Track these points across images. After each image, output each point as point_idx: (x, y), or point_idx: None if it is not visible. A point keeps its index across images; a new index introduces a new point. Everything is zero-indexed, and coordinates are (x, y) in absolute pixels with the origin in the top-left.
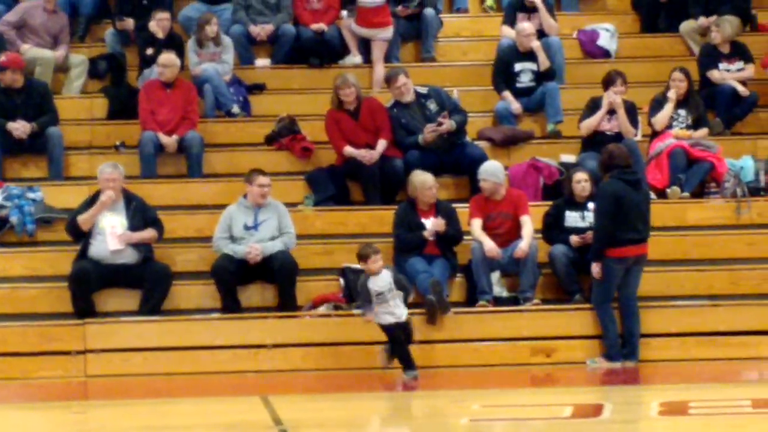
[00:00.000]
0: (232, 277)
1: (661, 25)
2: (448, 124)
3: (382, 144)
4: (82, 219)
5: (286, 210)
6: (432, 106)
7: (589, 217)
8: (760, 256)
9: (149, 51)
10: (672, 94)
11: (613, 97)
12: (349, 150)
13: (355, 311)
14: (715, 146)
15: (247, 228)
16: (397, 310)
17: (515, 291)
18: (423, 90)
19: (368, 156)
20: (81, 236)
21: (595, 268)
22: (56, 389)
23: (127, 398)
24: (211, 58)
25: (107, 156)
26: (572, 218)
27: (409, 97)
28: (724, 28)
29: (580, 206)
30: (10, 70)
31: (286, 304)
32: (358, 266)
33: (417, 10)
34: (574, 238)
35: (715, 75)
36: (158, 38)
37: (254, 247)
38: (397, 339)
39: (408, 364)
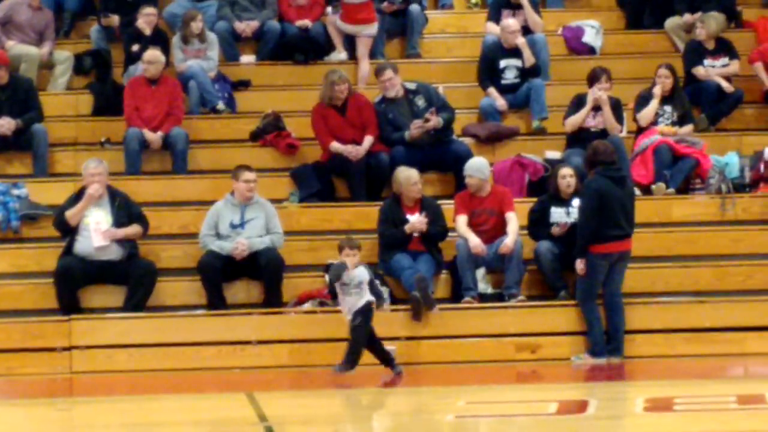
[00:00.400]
0: (218, 274)
1: (646, 21)
2: (435, 120)
3: (368, 140)
4: (70, 214)
5: (275, 210)
6: (420, 102)
7: (574, 213)
8: (745, 252)
9: (135, 47)
10: (657, 90)
11: (598, 93)
12: (335, 146)
13: (340, 307)
14: (700, 142)
15: (233, 226)
16: (345, 308)
17: (500, 287)
18: (411, 86)
19: (354, 152)
20: (69, 231)
21: (580, 265)
22: (41, 386)
23: (112, 395)
24: (196, 55)
25: (92, 152)
26: (557, 214)
27: (394, 93)
28: (708, 24)
29: (565, 202)
30: None
31: (272, 300)
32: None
33: (402, 6)
34: (554, 229)
35: (699, 71)
36: (144, 35)
37: (241, 242)
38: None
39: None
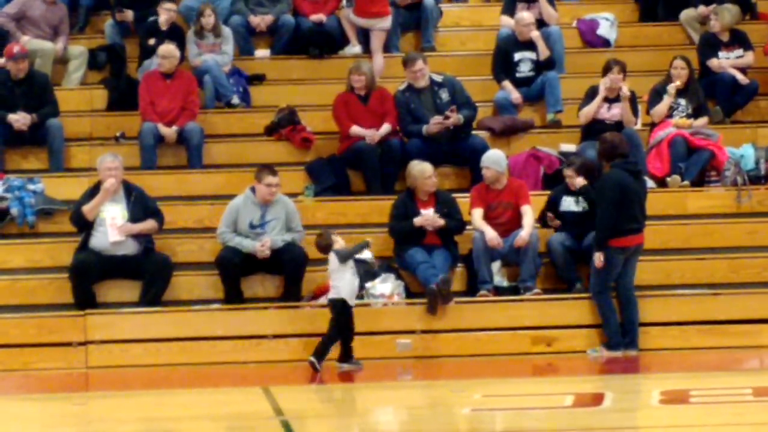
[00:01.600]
0: (237, 269)
1: (660, 13)
2: (455, 118)
3: (386, 127)
4: (87, 208)
5: (296, 209)
6: (444, 95)
7: (583, 203)
8: (760, 244)
9: (151, 41)
10: (672, 89)
11: (620, 85)
12: (355, 129)
13: (356, 301)
14: (715, 135)
15: (252, 227)
16: (342, 287)
17: (516, 281)
18: (438, 78)
19: (371, 135)
20: (86, 226)
21: (599, 258)
22: (57, 380)
23: (127, 389)
24: (211, 49)
25: (107, 147)
26: (567, 202)
27: (423, 83)
28: (722, 15)
29: (576, 192)
30: (20, 58)
31: (292, 295)
32: (359, 256)
33: (417, 0)
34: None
35: (714, 63)
36: (161, 29)
37: (266, 243)
38: (339, 320)
39: (322, 354)
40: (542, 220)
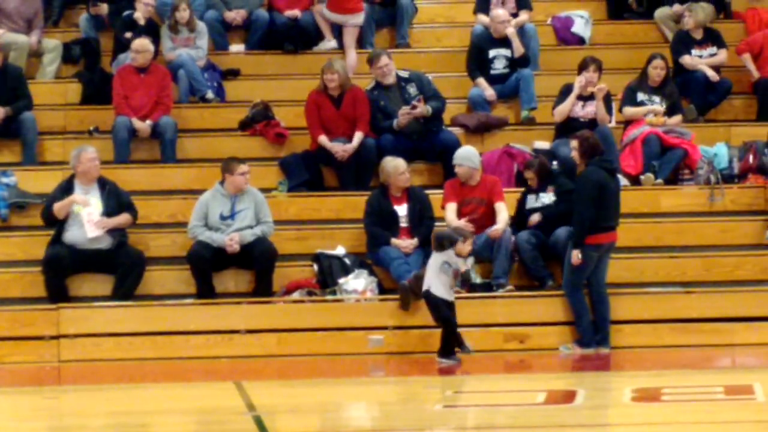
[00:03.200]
0: (207, 264)
1: (637, 10)
2: (423, 108)
3: (358, 137)
4: (57, 207)
5: (264, 199)
6: (412, 90)
7: (543, 199)
8: (733, 243)
9: (128, 35)
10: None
11: (594, 84)
12: (323, 140)
13: (329, 297)
14: (688, 133)
15: (223, 218)
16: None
17: (489, 278)
18: (404, 74)
19: (341, 152)
20: (56, 223)
21: (576, 255)
22: (29, 374)
23: (100, 383)
24: (185, 44)
25: (81, 141)
26: (530, 200)
27: (390, 80)
28: (696, 13)
29: (535, 190)
30: None
31: (263, 290)
32: (331, 252)
33: None
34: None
35: (686, 60)
36: (138, 23)
37: (233, 238)
38: (445, 317)
39: (453, 347)
40: (517, 223)
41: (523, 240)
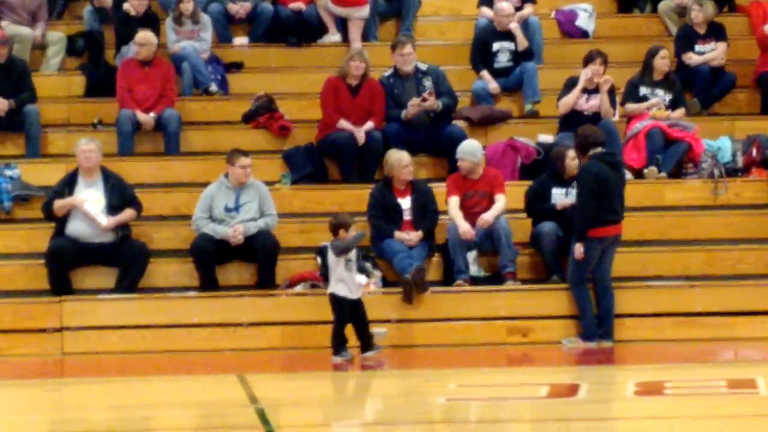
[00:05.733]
0: (211, 257)
1: (641, 4)
2: (432, 102)
3: (369, 125)
4: (58, 206)
5: (268, 191)
6: (428, 83)
7: (572, 194)
8: (736, 236)
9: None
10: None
11: (601, 77)
12: (343, 123)
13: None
14: (692, 126)
15: (227, 210)
16: (351, 285)
17: (492, 270)
18: (423, 66)
19: (360, 134)
20: (55, 218)
21: (579, 248)
22: (32, 367)
23: (102, 376)
24: (189, 36)
25: (85, 133)
26: (558, 195)
27: (408, 68)
28: (706, 8)
29: (565, 183)
30: (0, 44)
31: (266, 282)
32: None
33: None
34: (560, 203)
35: (688, 57)
36: (130, 15)
37: (237, 229)
38: (340, 315)
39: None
40: (534, 212)
41: (548, 230)
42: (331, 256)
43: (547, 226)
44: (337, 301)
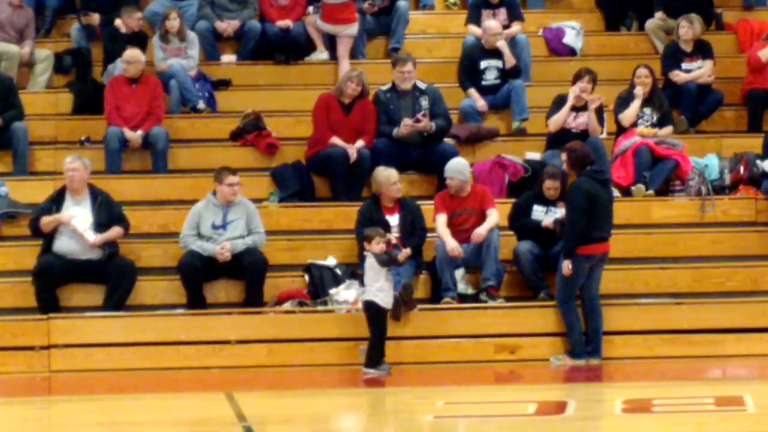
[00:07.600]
0: (198, 274)
1: (627, 22)
2: (426, 123)
3: (359, 144)
4: (45, 222)
5: (256, 209)
6: (424, 103)
7: (553, 213)
8: (723, 254)
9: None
10: (639, 91)
11: (588, 95)
12: (336, 140)
13: (320, 307)
14: (680, 144)
15: (215, 227)
16: (388, 296)
17: (480, 288)
18: (422, 86)
19: (353, 153)
20: (42, 235)
21: (567, 265)
22: (20, 384)
23: (90, 394)
24: (177, 54)
25: (72, 151)
26: (538, 212)
27: (407, 86)
28: (695, 26)
29: (548, 203)
30: None
31: (253, 300)
32: (323, 262)
33: (385, 4)
34: (546, 221)
35: (675, 75)
36: (121, 33)
37: (224, 246)
38: (381, 326)
39: (376, 358)
40: (512, 226)
41: (525, 249)
42: (374, 266)
43: (524, 246)
44: (378, 311)
